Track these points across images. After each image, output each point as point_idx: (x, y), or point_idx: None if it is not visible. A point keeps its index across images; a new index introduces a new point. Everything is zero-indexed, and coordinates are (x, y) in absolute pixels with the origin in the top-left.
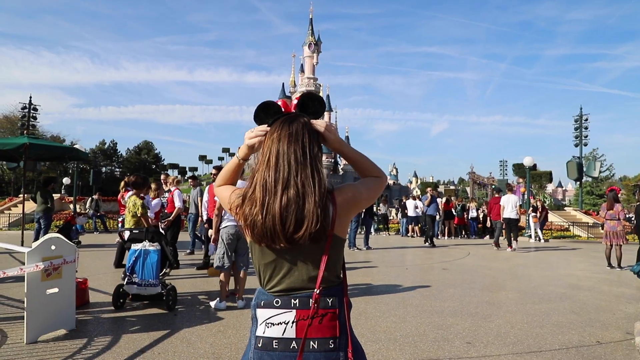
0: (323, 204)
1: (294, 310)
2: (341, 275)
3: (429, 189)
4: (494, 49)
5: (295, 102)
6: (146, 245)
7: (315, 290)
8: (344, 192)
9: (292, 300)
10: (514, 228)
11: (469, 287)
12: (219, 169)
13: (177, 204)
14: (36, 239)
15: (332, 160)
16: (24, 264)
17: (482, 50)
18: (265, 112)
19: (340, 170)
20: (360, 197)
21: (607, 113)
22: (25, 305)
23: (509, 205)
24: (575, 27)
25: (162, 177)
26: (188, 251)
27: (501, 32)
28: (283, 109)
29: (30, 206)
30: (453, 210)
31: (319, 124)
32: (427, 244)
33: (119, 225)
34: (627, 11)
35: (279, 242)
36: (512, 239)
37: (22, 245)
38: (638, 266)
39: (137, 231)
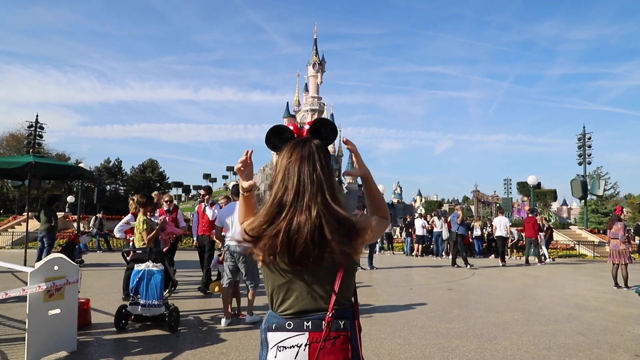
0: (341, 225)
1: (307, 333)
2: (352, 299)
3: (457, 206)
4: (496, 68)
5: (307, 127)
6: (150, 265)
7: (328, 313)
8: (362, 220)
9: (305, 323)
10: (505, 245)
11: (475, 308)
12: (208, 189)
13: (181, 224)
14: (39, 258)
15: (337, 180)
16: (26, 283)
17: (484, 69)
18: (278, 137)
19: (345, 189)
20: (370, 232)
21: (610, 131)
22: (26, 327)
23: (501, 226)
24: (577, 46)
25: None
26: None
27: (503, 51)
28: (295, 135)
29: (34, 224)
30: None
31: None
32: (467, 266)
33: (130, 245)
34: (629, 30)
35: (292, 261)
36: (505, 254)
37: (24, 264)
38: None
39: (140, 251)
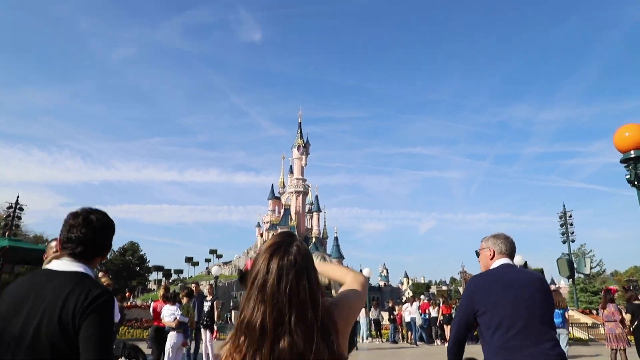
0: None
1: None
2: None
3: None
4: (475, 149)
5: None
6: None
7: None
8: (341, 308)
9: None
10: None
11: None
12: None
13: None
14: None
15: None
16: None
17: (464, 150)
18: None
19: None
20: (355, 308)
21: (589, 208)
22: None
23: None
24: (548, 126)
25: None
26: None
27: (481, 132)
28: None
29: None
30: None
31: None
32: None
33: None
34: (594, 111)
35: None
36: None
37: None
38: None
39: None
